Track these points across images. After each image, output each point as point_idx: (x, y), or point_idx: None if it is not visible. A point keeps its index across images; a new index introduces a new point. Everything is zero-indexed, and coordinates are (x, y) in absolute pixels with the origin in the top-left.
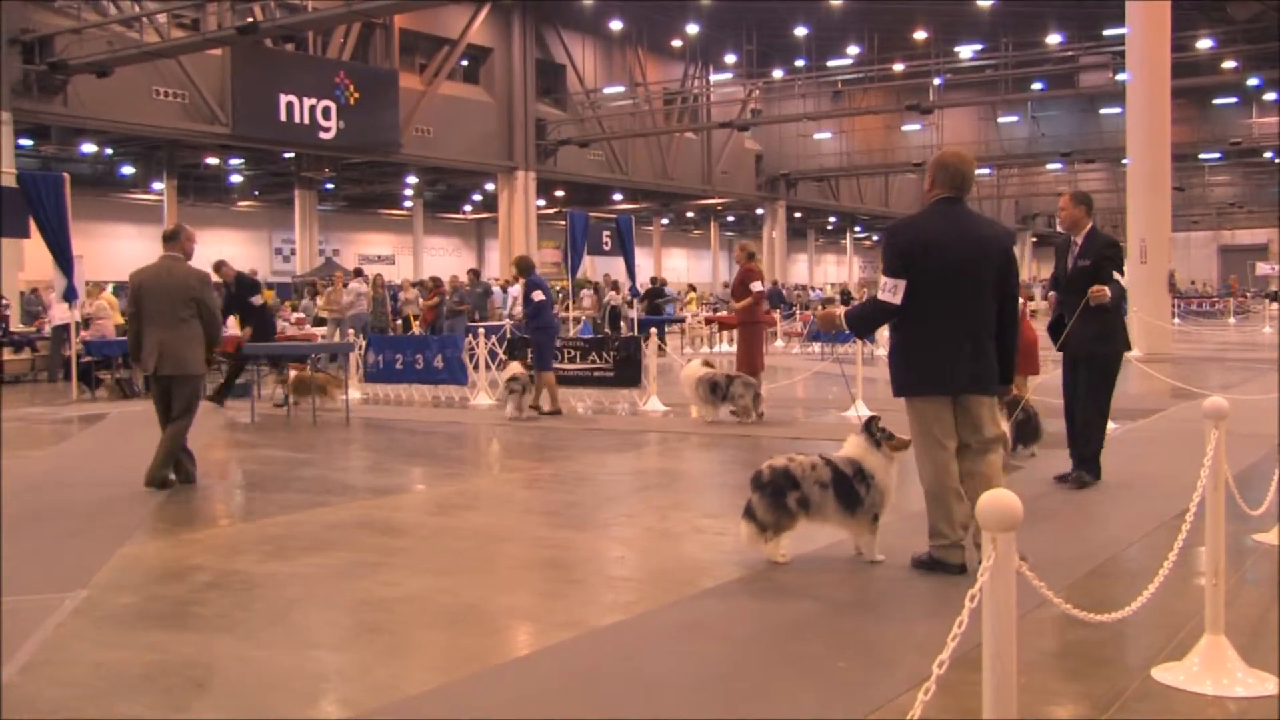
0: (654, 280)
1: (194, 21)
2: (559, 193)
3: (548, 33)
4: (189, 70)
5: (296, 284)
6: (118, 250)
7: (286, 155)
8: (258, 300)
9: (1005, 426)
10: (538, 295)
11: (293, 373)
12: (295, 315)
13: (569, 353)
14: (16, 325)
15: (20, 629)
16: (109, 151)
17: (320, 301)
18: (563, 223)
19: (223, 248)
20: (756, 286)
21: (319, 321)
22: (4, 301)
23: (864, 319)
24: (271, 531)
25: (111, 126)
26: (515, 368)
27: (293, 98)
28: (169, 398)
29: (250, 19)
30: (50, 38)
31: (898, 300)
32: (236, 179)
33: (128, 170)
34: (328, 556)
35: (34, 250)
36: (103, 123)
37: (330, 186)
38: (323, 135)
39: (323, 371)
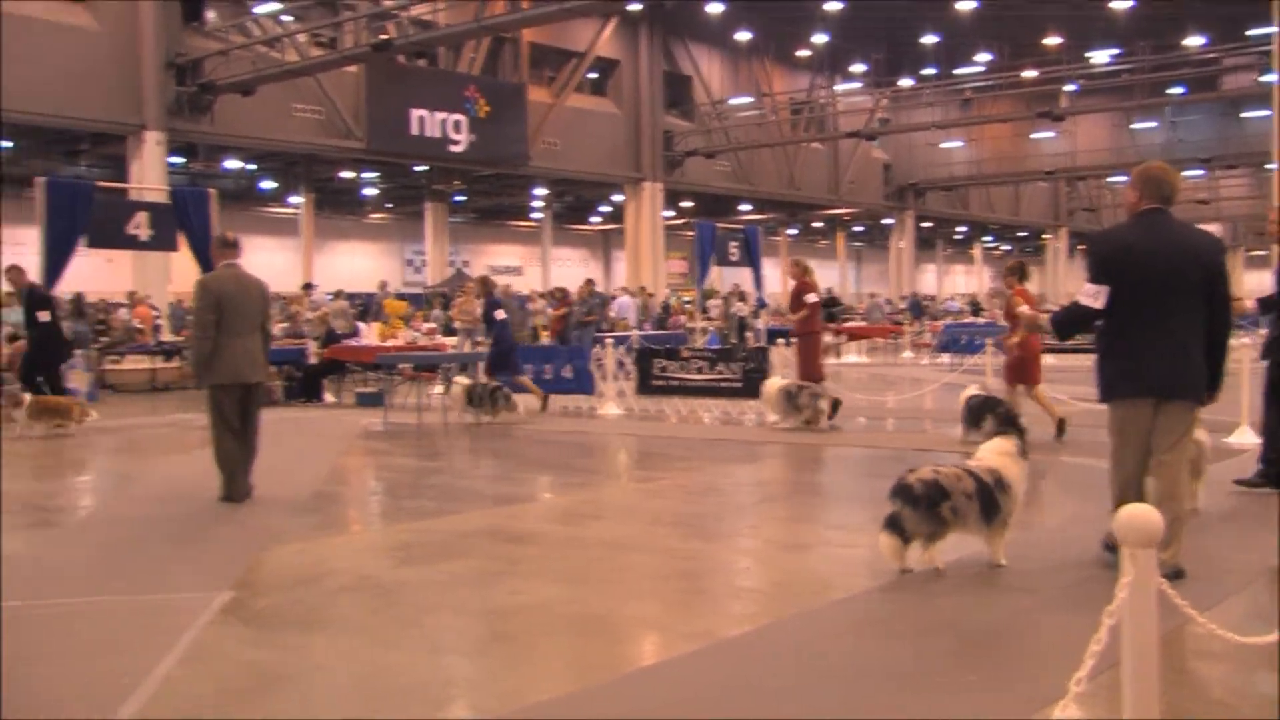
0: (829, 290)
1: (331, 40)
2: (686, 203)
3: (675, 45)
4: (326, 87)
5: (428, 295)
6: (258, 262)
7: (418, 168)
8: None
9: None
10: (500, 314)
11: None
12: (426, 325)
13: (696, 363)
14: (167, 335)
15: (175, 625)
16: (251, 167)
17: (453, 311)
18: (690, 233)
19: (357, 259)
20: (811, 298)
21: (449, 331)
22: (156, 312)
23: (1066, 321)
24: (403, 538)
25: (254, 143)
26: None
27: (424, 112)
28: (244, 406)
29: (384, 36)
30: (200, 61)
31: (1098, 305)
32: (370, 192)
33: (268, 185)
34: (457, 564)
35: (180, 263)
36: (246, 139)
37: (460, 199)
38: (453, 148)
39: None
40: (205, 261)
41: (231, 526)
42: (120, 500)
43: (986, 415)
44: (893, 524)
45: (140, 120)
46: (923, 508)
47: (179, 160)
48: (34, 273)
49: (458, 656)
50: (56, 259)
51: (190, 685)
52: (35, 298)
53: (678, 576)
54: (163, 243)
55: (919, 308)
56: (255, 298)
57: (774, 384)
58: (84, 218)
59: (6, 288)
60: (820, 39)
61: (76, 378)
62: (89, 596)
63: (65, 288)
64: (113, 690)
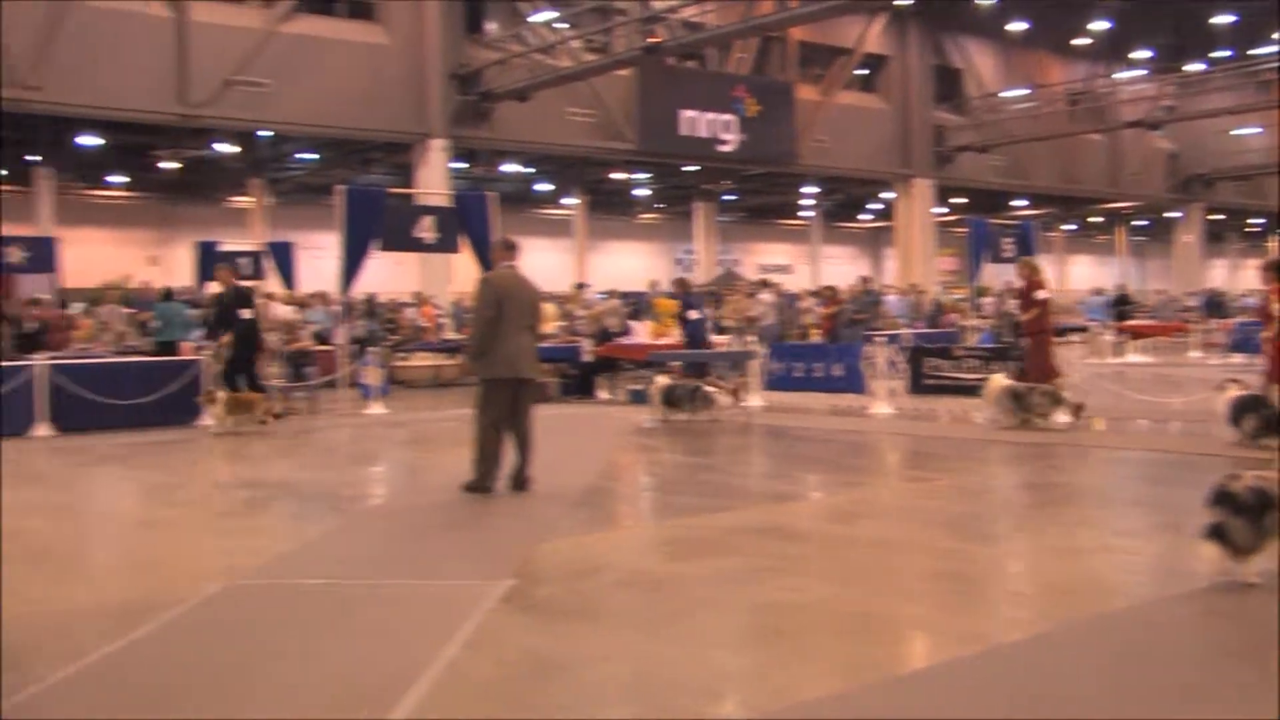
0: (1120, 288)
1: (603, 45)
2: (957, 199)
3: (944, 38)
4: (598, 91)
5: (698, 293)
6: (533, 262)
7: (687, 169)
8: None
9: None
10: (693, 314)
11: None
12: None
13: (969, 362)
14: (449, 333)
15: (459, 610)
16: (528, 170)
17: (724, 310)
18: (961, 230)
19: (628, 259)
20: (1041, 295)
21: (720, 330)
22: (439, 311)
23: None
24: (674, 533)
25: (530, 147)
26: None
27: (693, 113)
28: (515, 401)
29: (654, 39)
30: (480, 71)
31: None
32: (641, 193)
33: (543, 187)
34: (728, 560)
35: (461, 264)
36: (523, 144)
37: (729, 198)
38: (722, 148)
39: (720, 380)
40: (486, 262)
41: (511, 518)
42: (408, 490)
43: (1248, 415)
44: (1217, 533)
45: (426, 129)
46: (1249, 516)
47: (461, 165)
48: (334, 275)
49: (729, 651)
50: (353, 261)
51: (474, 668)
52: (239, 297)
53: (950, 578)
54: (446, 245)
55: (1215, 305)
56: (530, 298)
57: (997, 382)
58: (377, 223)
59: (216, 286)
60: (1100, 26)
61: (369, 374)
62: (381, 580)
63: (360, 289)
64: (402, 669)
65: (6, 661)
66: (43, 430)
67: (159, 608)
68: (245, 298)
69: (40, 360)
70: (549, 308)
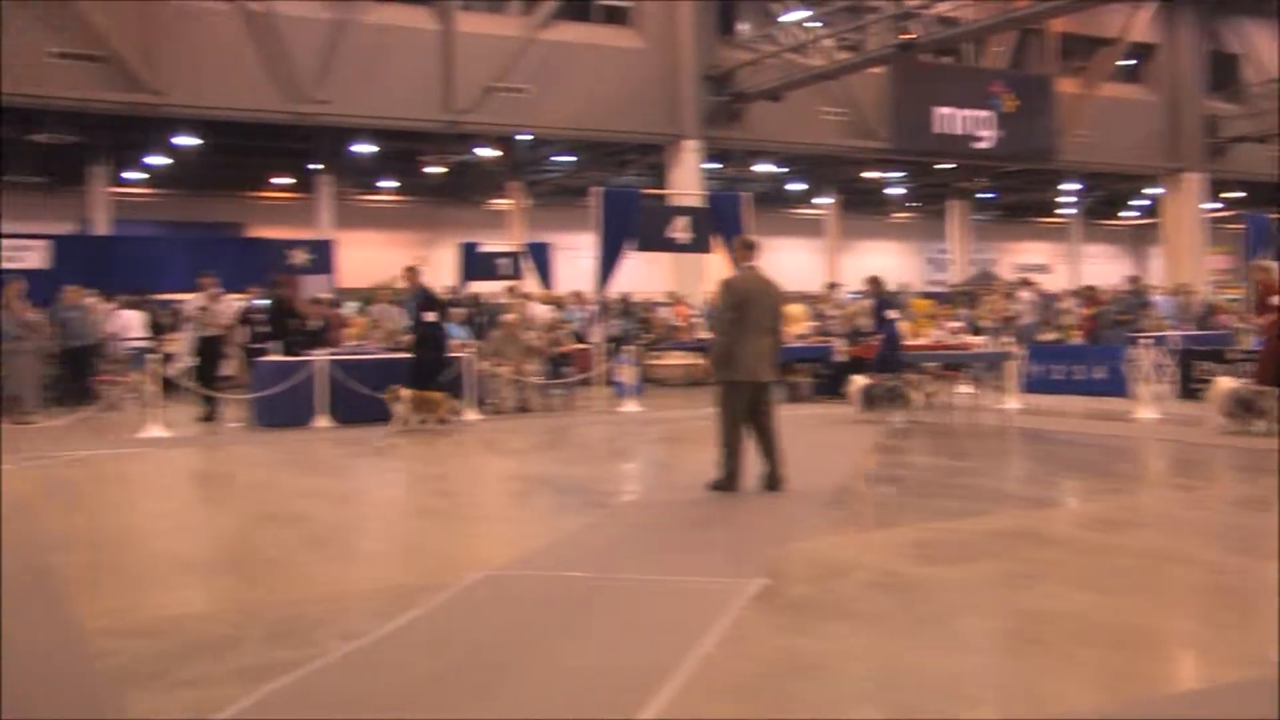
0: None
1: (856, 43)
2: (1233, 194)
3: (1221, 21)
4: (851, 89)
5: (951, 294)
6: (785, 262)
7: (941, 166)
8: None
9: None
10: (890, 314)
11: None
12: (952, 324)
13: (1244, 365)
14: (702, 333)
15: (711, 607)
16: (780, 170)
17: (980, 310)
18: (1237, 226)
19: (880, 258)
20: (1275, 300)
21: (976, 330)
22: (693, 311)
23: None
24: (928, 536)
25: (782, 147)
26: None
27: (948, 109)
28: (754, 403)
29: (908, 36)
30: (732, 71)
31: None
32: (893, 191)
33: (795, 187)
34: (984, 564)
35: (713, 263)
36: (775, 144)
37: (985, 196)
38: (977, 145)
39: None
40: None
41: (761, 517)
42: (661, 487)
43: None
44: None
45: (679, 130)
46: None
47: (714, 166)
48: (590, 275)
49: (985, 657)
50: (609, 261)
51: (728, 665)
52: (425, 299)
53: (1223, 593)
54: (699, 245)
55: None
56: (772, 300)
57: (1223, 385)
58: (632, 223)
59: (401, 285)
60: None
61: (623, 372)
62: (635, 574)
63: (615, 288)
64: (657, 663)
65: (297, 637)
66: (323, 422)
67: (426, 593)
68: (431, 300)
69: (321, 356)
70: (796, 308)
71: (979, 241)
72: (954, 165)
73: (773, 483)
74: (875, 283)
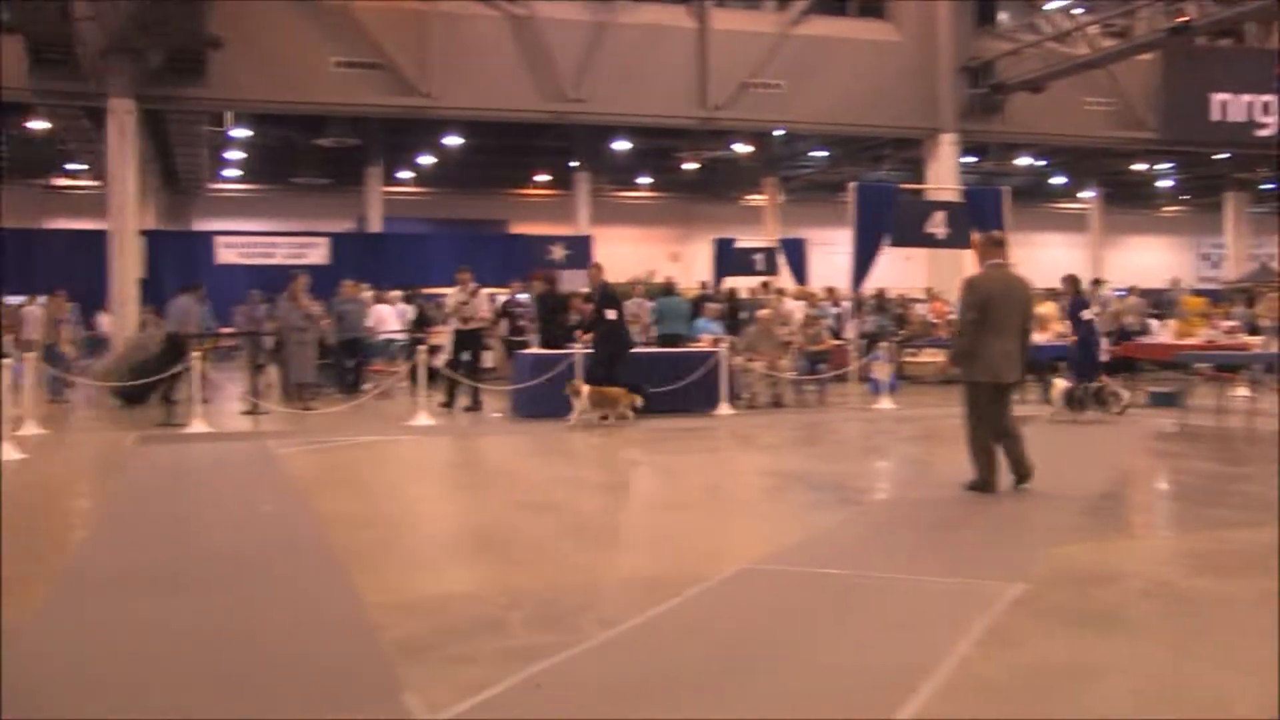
0: None
1: (1123, 29)
2: None
3: None
4: (1117, 78)
5: (1226, 291)
6: (1046, 258)
7: (1217, 157)
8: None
9: None
10: (1085, 314)
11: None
12: (1227, 323)
13: None
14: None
15: (971, 609)
16: (1041, 163)
17: (1259, 308)
18: None
19: (1147, 254)
20: None
21: (1254, 330)
22: (949, 308)
23: None
24: (1201, 546)
25: (1043, 139)
26: None
27: (1226, 96)
28: (998, 403)
29: (1183, 19)
30: (991, 62)
31: None
32: (1163, 184)
33: (1057, 181)
34: (1265, 580)
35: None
36: (1035, 136)
37: (1266, 187)
38: (1260, 132)
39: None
40: None
41: (1019, 519)
42: (915, 485)
43: None
44: None
45: (936, 124)
46: None
47: (971, 160)
48: (844, 271)
49: (1264, 678)
50: (864, 257)
51: (985, 670)
52: (606, 297)
53: None
54: (957, 240)
55: None
56: (1019, 299)
57: None
58: (888, 218)
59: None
60: None
61: (877, 369)
62: (890, 573)
63: (869, 284)
64: (913, 663)
65: (557, 621)
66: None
67: (682, 584)
68: (612, 298)
69: (579, 349)
70: (1049, 307)
71: (1258, 235)
72: (1231, 155)
73: (1020, 480)
74: (1071, 282)
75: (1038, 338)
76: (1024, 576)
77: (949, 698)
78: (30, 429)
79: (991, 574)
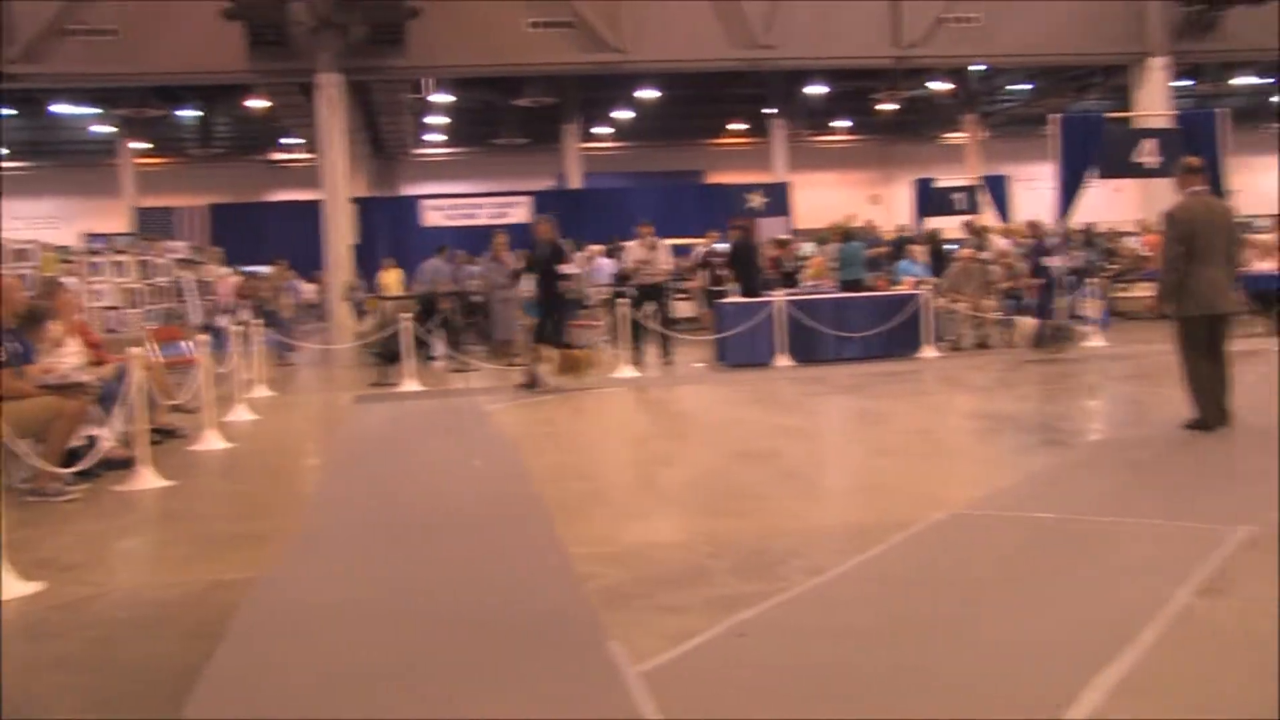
0: None
1: None
2: None
3: None
4: None
5: None
6: (1271, 182)
7: None
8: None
9: None
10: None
11: None
12: None
13: None
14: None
15: (1194, 554)
16: (1264, 82)
17: None
18: None
19: None
20: None
21: None
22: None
23: None
24: None
25: (1266, 55)
26: None
27: None
28: (1212, 336)
29: None
30: None
31: None
32: None
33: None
34: None
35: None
36: (1258, 52)
37: None
38: None
39: None
40: (1216, 185)
41: (1245, 459)
42: (1128, 425)
43: None
44: None
45: (1145, 47)
46: None
47: (1184, 84)
48: (1049, 206)
49: None
50: (1070, 191)
51: (1210, 617)
52: (555, 253)
53: None
54: (1170, 169)
55: None
56: (1223, 226)
57: None
58: (1094, 150)
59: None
60: None
61: (1088, 305)
62: (1107, 516)
63: (1078, 218)
64: (1132, 609)
65: (764, 571)
66: (783, 361)
67: (890, 530)
68: (558, 254)
69: (780, 296)
70: (1270, 237)
71: None
72: None
73: (1224, 417)
74: (1033, 227)
75: (1264, 266)
76: (1252, 519)
77: (1167, 645)
78: (260, 391)
79: (1215, 517)
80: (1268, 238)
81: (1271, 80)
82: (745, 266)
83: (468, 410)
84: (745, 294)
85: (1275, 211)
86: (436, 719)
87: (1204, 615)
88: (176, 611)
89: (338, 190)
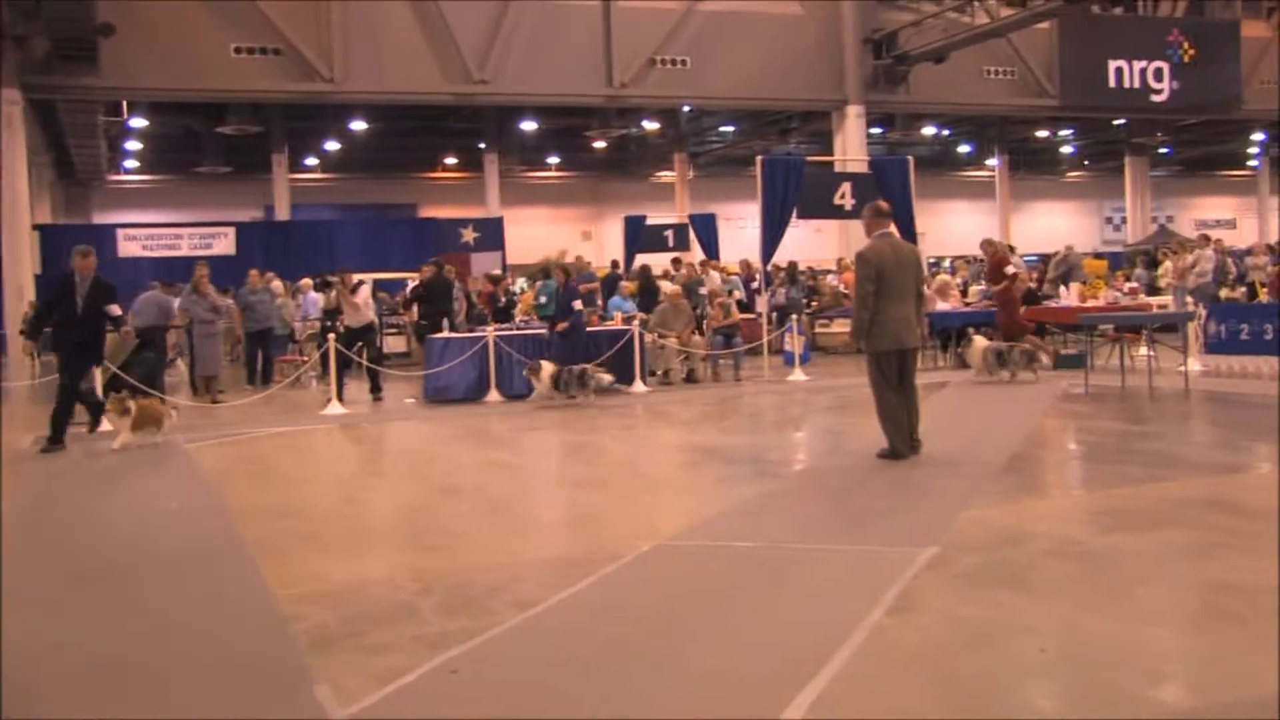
0: None
1: None
2: None
3: None
4: (1017, 47)
5: (1129, 253)
6: (954, 224)
7: (1116, 122)
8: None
9: None
10: None
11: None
12: (1129, 285)
13: None
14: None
15: (883, 576)
16: (945, 132)
17: (1160, 270)
18: None
19: (1053, 219)
20: (1010, 269)
21: (1154, 290)
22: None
23: None
24: (1109, 504)
25: (947, 109)
26: None
27: (1122, 63)
28: (901, 369)
29: None
30: (894, 34)
31: None
32: (1065, 150)
33: (962, 149)
34: (1170, 533)
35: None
36: (939, 106)
37: (1164, 151)
38: (1155, 98)
39: None
40: (903, 228)
41: (932, 485)
42: (828, 455)
43: None
44: None
45: (842, 96)
46: None
47: (877, 131)
48: (754, 244)
49: (1171, 631)
50: (774, 230)
51: (899, 635)
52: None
53: None
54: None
55: None
56: (910, 265)
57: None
58: (795, 191)
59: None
60: None
61: (791, 340)
62: (806, 544)
63: (780, 256)
64: (830, 632)
65: (473, 606)
66: (494, 396)
67: (598, 562)
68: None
69: (491, 331)
70: (944, 278)
71: (1158, 198)
72: (1129, 121)
73: (913, 445)
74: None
75: (943, 306)
76: (936, 541)
77: (862, 664)
78: None
79: (905, 540)
80: (948, 279)
81: (951, 131)
82: (439, 303)
83: (167, 449)
84: (433, 330)
85: (962, 253)
86: None
87: (893, 633)
88: None
89: (18, 215)
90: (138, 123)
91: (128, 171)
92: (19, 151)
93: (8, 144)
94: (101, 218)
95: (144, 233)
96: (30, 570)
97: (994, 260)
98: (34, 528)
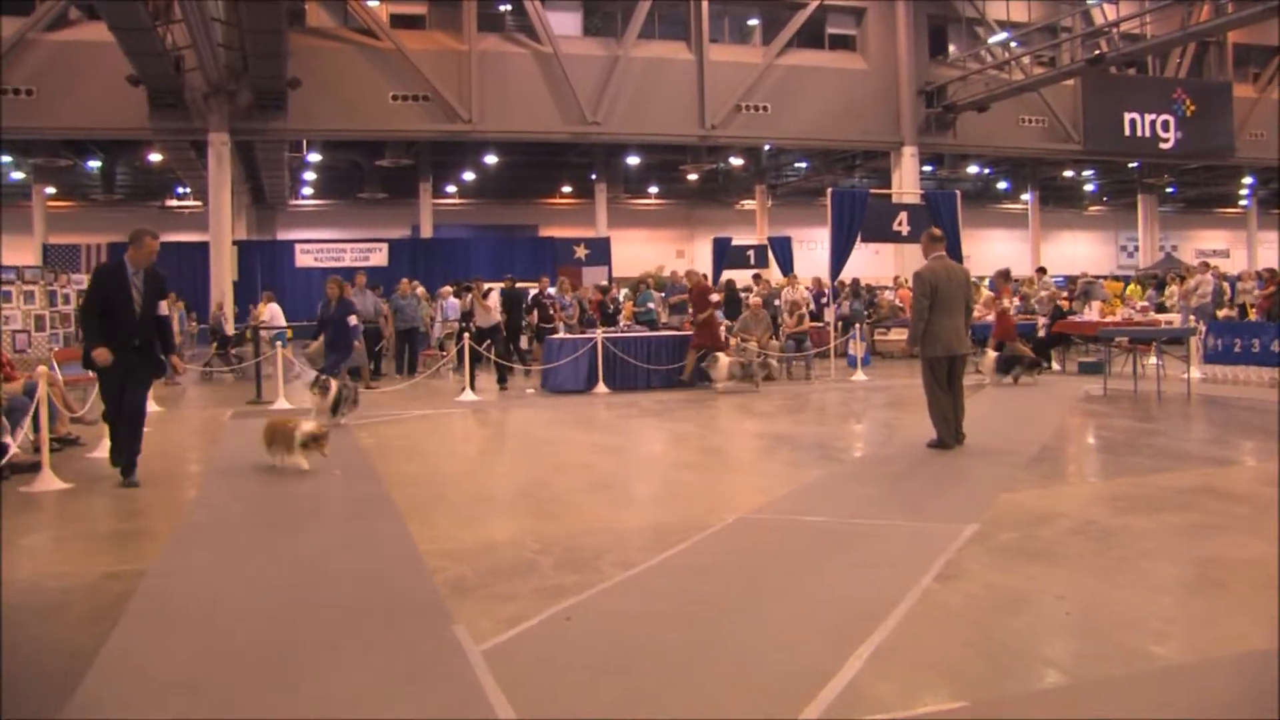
0: None
1: (1051, 59)
2: None
3: None
4: (1047, 99)
5: (1140, 277)
6: (993, 250)
7: (1130, 165)
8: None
9: None
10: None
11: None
12: (1140, 304)
13: None
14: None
15: (932, 548)
16: (987, 171)
17: (1167, 292)
18: None
19: (1077, 246)
20: (714, 297)
21: (1161, 309)
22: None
23: None
24: (1122, 490)
25: (988, 151)
26: None
27: (1135, 115)
28: (951, 372)
29: (1098, 52)
30: (944, 86)
31: None
32: (1088, 188)
33: (1000, 185)
34: (1173, 516)
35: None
36: (982, 148)
37: (1170, 190)
38: (1162, 145)
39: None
40: (953, 251)
41: (974, 472)
42: (885, 444)
43: None
44: None
45: (899, 138)
46: None
47: (929, 169)
48: (824, 264)
49: (1173, 598)
50: (840, 252)
51: (945, 598)
52: (343, 304)
53: None
54: (918, 236)
55: None
56: (960, 284)
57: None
58: (859, 218)
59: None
60: None
61: (854, 346)
62: (866, 519)
63: (845, 274)
64: (886, 595)
65: (583, 565)
66: (601, 388)
67: (687, 531)
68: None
69: (599, 333)
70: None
71: (1165, 230)
72: (1141, 164)
73: (958, 438)
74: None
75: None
76: (977, 519)
77: (913, 622)
78: (151, 406)
79: (951, 518)
80: (990, 294)
81: (991, 170)
82: (513, 311)
83: (331, 427)
84: (511, 336)
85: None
86: (306, 691)
87: (940, 596)
88: (74, 599)
89: (222, 234)
90: (314, 157)
91: (304, 197)
92: (225, 181)
93: (218, 175)
94: (284, 235)
95: (316, 247)
96: (231, 519)
97: (697, 289)
98: (233, 486)
